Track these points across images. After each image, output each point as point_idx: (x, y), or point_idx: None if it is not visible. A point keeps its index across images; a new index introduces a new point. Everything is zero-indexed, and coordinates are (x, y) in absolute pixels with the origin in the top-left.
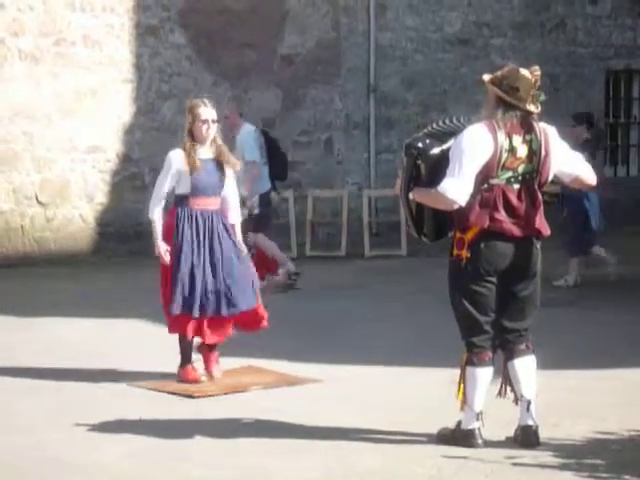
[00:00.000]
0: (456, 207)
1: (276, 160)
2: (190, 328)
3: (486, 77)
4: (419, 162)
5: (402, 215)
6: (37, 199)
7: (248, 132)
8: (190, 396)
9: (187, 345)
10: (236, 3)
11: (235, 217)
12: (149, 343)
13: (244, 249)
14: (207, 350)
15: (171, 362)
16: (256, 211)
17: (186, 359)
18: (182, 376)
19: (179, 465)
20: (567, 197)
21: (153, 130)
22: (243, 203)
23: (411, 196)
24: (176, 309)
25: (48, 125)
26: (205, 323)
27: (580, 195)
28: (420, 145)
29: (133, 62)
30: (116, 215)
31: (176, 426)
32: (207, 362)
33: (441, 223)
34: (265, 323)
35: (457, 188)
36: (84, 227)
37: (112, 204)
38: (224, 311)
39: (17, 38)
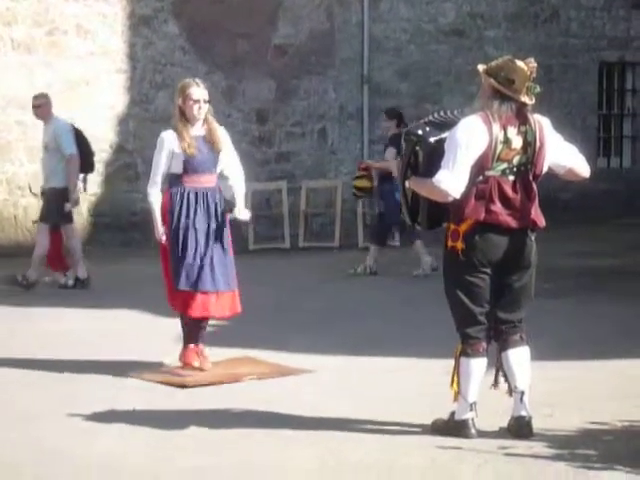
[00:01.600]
0: (451, 199)
1: (84, 154)
2: (195, 306)
3: (481, 67)
4: (418, 149)
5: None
6: (30, 189)
7: (64, 125)
8: (184, 386)
9: (191, 324)
10: None
11: (238, 187)
12: (143, 333)
13: (244, 214)
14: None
15: (166, 352)
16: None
17: (189, 338)
18: (183, 357)
19: (173, 455)
20: (383, 192)
21: (147, 120)
22: (66, 198)
23: (407, 184)
24: (182, 285)
25: None
26: (210, 299)
27: (393, 189)
28: (420, 132)
29: (126, 52)
30: (110, 205)
31: (170, 416)
32: (200, 358)
33: (436, 212)
34: (239, 309)
35: (451, 180)
36: (78, 217)
37: (106, 194)
38: (223, 287)
39: (10, 28)
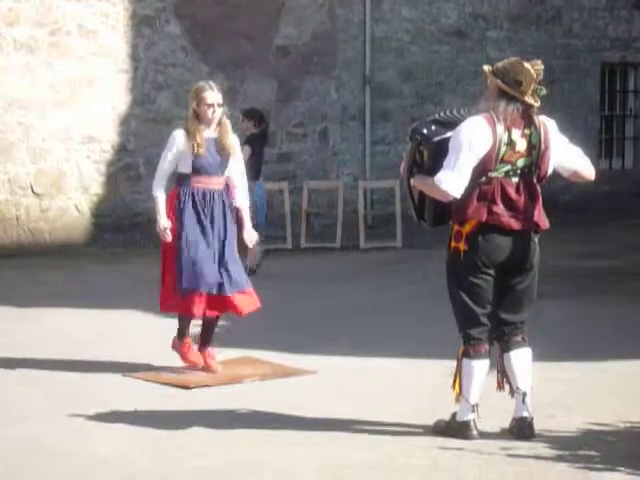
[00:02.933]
0: (451, 199)
1: None
2: (195, 305)
3: (487, 68)
4: (422, 148)
5: (397, 207)
6: (32, 189)
7: None
8: (186, 387)
9: (187, 320)
10: None
11: (242, 198)
12: (144, 334)
13: (252, 234)
14: (202, 345)
15: (166, 353)
16: None
17: (183, 332)
18: (179, 349)
19: (174, 456)
20: None
21: (148, 121)
22: None
23: (412, 182)
24: (185, 284)
25: (43, 115)
26: (207, 300)
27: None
28: (425, 131)
29: (128, 52)
30: (111, 206)
31: (172, 417)
32: (205, 358)
33: (441, 210)
34: (258, 304)
35: (452, 181)
36: (79, 218)
37: (107, 195)
38: (227, 290)
39: (12, 28)
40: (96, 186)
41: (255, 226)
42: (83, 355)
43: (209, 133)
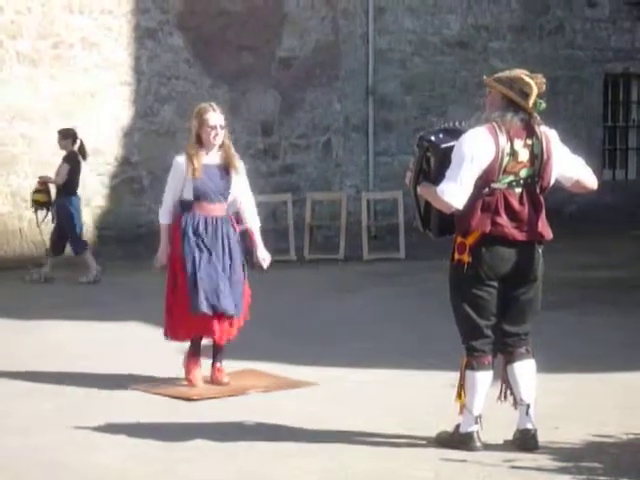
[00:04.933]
0: (453, 210)
1: None
2: (202, 329)
3: (489, 78)
4: (429, 154)
5: (401, 218)
6: None
7: None
8: (189, 399)
9: (199, 340)
10: (235, 6)
11: (252, 221)
12: (147, 346)
13: (264, 256)
14: (213, 359)
15: (169, 365)
16: None
17: (195, 351)
18: (186, 366)
19: (177, 468)
20: (58, 205)
21: (152, 133)
22: None
23: (419, 190)
24: (194, 309)
25: (46, 128)
26: (216, 323)
27: (64, 201)
28: (432, 138)
29: (131, 65)
30: (115, 218)
31: (174, 429)
32: (214, 372)
33: (447, 220)
34: (233, 334)
35: (454, 192)
36: (83, 230)
37: (111, 207)
38: (232, 312)
39: (15, 41)
40: (99, 198)
41: (73, 239)
42: (86, 367)
43: (211, 158)
